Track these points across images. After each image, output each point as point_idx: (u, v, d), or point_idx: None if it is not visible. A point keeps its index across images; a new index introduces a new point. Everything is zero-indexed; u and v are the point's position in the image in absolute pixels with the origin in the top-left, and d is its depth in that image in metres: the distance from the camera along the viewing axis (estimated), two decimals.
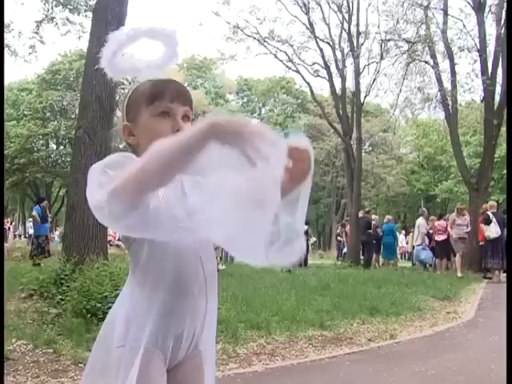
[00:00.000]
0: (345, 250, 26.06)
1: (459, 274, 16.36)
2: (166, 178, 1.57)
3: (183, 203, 1.75)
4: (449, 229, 17.68)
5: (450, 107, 22.47)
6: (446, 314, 9.62)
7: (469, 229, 17.50)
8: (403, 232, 33.10)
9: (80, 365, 5.24)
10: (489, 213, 16.13)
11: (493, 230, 15.83)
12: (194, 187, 1.82)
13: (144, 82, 1.95)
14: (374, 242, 21.82)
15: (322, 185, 52.09)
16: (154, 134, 1.81)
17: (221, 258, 16.69)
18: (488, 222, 15.88)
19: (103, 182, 1.57)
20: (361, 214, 22.80)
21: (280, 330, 7.03)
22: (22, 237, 45.57)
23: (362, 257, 22.48)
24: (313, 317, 7.88)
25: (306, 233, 23.24)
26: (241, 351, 6.05)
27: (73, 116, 44.41)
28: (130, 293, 1.88)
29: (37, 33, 20.64)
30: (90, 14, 17.92)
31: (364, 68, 25.64)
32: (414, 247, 21.93)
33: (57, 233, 36.83)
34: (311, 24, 26.27)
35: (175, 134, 1.76)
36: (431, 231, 19.96)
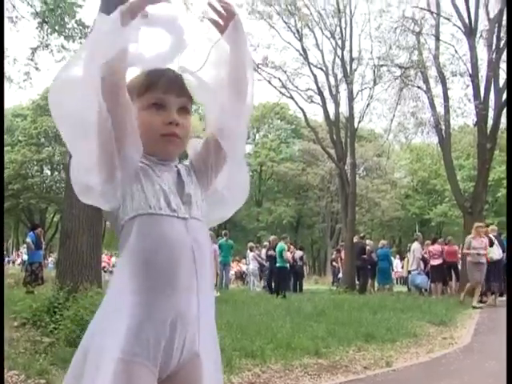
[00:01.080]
0: (340, 275, 26.00)
1: (475, 304, 14.90)
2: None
3: (179, 190, 1.84)
4: (465, 250, 15.81)
5: (443, 132, 22.61)
6: (443, 339, 9.56)
7: (485, 252, 15.37)
8: (398, 256, 33.05)
9: None
10: (491, 235, 16.14)
11: (496, 252, 15.82)
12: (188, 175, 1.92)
13: (139, 73, 1.90)
14: (369, 267, 21.78)
15: (317, 210, 52.11)
16: (145, 127, 1.79)
17: (216, 285, 16.59)
18: (491, 244, 15.82)
19: None
20: (355, 240, 22.77)
21: (275, 358, 6.95)
22: (16, 263, 45.34)
23: (357, 282, 22.41)
24: (308, 344, 7.81)
25: (301, 259, 23.25)
26: (235, 380, 5.98)
27: None
28: (110, 296, 1.79)
29: (32, 59, 20.65)
30: (84, 41, 18.04)
31: (357, 93, 25.83)
32: (409, 272, 21.88)
33: (51, 259, 36.64)
34: (304, 50, 26.49)
35: (168, 126, 1.83)
36: (426, 256, 19.95)
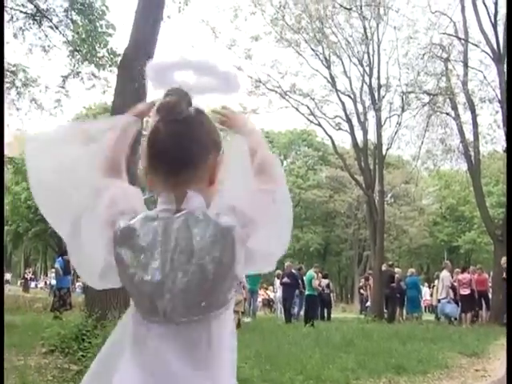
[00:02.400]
0: (368, 303, 25.74)
1: None
2: None
3: None
4: None
5: (472, 158, 22.43)
6: (475, 371, 9.36)
7: None
8: (426, 284, 32.68)
9: None
10: None
11: None
12: None
13: None
14: (398, 295, 21.52)
15: (344, 237, 51.83)
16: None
17: (243, 313, 16.46)
18: None
19: None
20: (384, 267, 22.55)
21: None
22: (39, 286, 45.68)
23: (385, 310, 22.14)
24: (338, 376, 7.69)
25: (328, 286, 23.05)
26: None
27: None
28: None
29: (63, 87, 21.02)
30: (114, 69, 18.28)
31: (385, 120, 25.78)
32: (438, 300, 21.59)
33: (78, 284, 36.76)
34: (332, 77, 26.52)
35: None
36: (455, 284, 19.69)
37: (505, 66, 21.26)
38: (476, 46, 22.68)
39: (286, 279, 19.63)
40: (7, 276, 47.97)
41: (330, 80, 26.59)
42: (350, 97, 26.41)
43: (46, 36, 20.17)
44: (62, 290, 16.54)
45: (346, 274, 58.47)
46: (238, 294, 15.29)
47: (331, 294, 24.37)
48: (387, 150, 26.28)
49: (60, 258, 17.32)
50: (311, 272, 19.17)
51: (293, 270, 20.15)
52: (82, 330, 8.01)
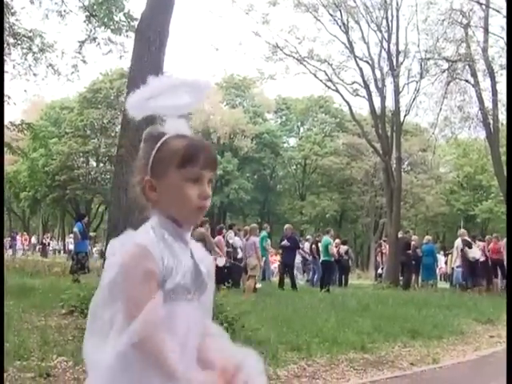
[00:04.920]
0: (380, 270, 25.77)
1: None
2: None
3: None
4: None
5: (490, 126, 22.21)
6: (490, 337, 9.41)
7: None
8: (442, 253, 32.65)
9: None
10: None
11: None
12: None
13: (175, 139, 1.87)
14: (414, 262, 21.54)
15: (361, 204, 51.76)
16: (182, 197, 1.80)
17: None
18: None
19: None
20: (400, 235, 22.55)
21: (321, 352, 6.92)
22: (62, 252, 46.14)
23: (400, 277, 22.19)
24: (354, 339, 7.76)
25: (347, 253, 23.13)
26: (281, 373, 5.97)
27: (113, 134, 45.06)
28: None
29: (79, 53, 20.96)
30: (131, 34, 18.18)
31: (404, 87, 25.50)
32: (453, 268, 21.59)
33: (95, 249, 37.16)
34: (350, 43, 26.24)
35: (203, 201, 1.82)
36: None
37: None
38: (497, 11, 22.28)
39: (285, 242, 18.72)
40: (33, 240, 48.37)
41: (347, 46, 26.32)
42: (367, 63, 26.13)
43: (63, 1, 20.08)
44: (80, 254, 16.69)
45: (361, 241, 58.53)
46: (253, 259, 15.40)
47: (350, 261, 24.43)
48: (405, 116, 26.08)
49: (78, 223, 17.46)
50: (327, 238, 19.19)
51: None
52: None
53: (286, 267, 18.89)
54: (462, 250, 19.94)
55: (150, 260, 1.71)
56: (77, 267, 16.04)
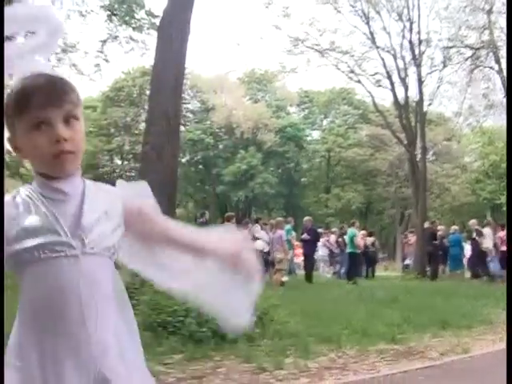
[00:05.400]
0: (407, 261, 25.67)
1: None
2: None
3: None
4: None
5: None
6: None
7: None
8: (469, 242, 32.39)
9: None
10: None
11: None
12: None
13: (15, 87, 1.67)
14: (441, 252, 21.44)
15: (386, 196, 51.52)
16: (32, 149, 1.63)
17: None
18: None
19: None
20: (426, 225, 22.44)
21: (350, 343, 6.95)
22: None
23: (427, 268, 22.08)
24: (383, 330, 7.77)
25: (373, 244, 23.08)
26: (312, 365, 6.00)
27: (136, 132, 45.32)
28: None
29: (101, 52, 21.14)
30: (152, 32, 18.30)
31: (426, 76, 25.37)
32: None
33: None
34: (372, 34, 26.14)
35: (56, 145, 1.61)
36: (498, 242, 19.53)
37: None
38: None
39: (305, 235, 18.50)
40: None
41: (369, 36, 26.23)
42: (389, 53, 26.00)
43: (83, 1, 20.25)
44: None
45: (387, 233, 58.25)
46: (280, 252, 15.44)
47: (376, 252, 24.39)
48: (428, 106, 25.99)
49: None
50: (353, 230, 19.16)
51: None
52: (131, 288, 8.19)
53: (307, 260, 18.82)
54: (473, 239, 19.89)
55: None
56: None
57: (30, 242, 1.59)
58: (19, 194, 1.66)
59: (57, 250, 1.59)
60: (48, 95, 1.61)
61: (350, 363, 6.22)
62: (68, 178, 1.68)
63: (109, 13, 19.69)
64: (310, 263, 18.58)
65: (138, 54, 21.16)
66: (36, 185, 1.68)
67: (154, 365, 5.64)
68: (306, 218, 19.63)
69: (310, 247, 18.62)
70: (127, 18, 18.52)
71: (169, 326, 6.61)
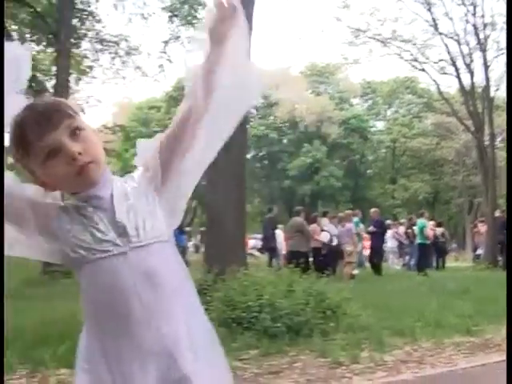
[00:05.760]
0: (478, 251, 25.17)
1: None
2: None
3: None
4: None
5: None
6: None
7: None
8: None
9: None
10: None
11: None
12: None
13: (10, 128, 1.66)
14: None
15: (453, 185, 50.64)
16: (58, 178, 1.64)
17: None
18: None
19: None
20: (497, 214, 21.95)
21: (425, 336, 6.90)
22: None
23: (499, 258, 21.60)
24: (457, 322, 7.67)
25: (443, 235, 22.74)
26: (388, 358, 5.98)
27: None
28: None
29: (164, 52, 21.47)
30: None
31: (492, 61, 24.77)
32: None
33: (191, 242, 37.87)
34: (434, 20, 25.63)
35: (74, 165, 1.61)
36: None
37: None
38: None
39: (371, 227, 18.24)
40: None
41: (431, 23, 25.70)
42: (453, 39, 25.45)
43: (145, 4, 20.60)
44: (179, 249, 17.10)
45: (455, 223, 57.26)
46: (349, 245, 15.40)
47: (446, 243, 24.03)
48: (496, 91, 25.39)
49: None
50: (422, 220, 18.91)
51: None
52: (203, 285, 8.35)
53: (374, 252, 18.37)
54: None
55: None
56: None
57: (78, 247, 1.64)
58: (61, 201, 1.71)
59: (104, 251, 1.62)
60: (40, 124, 1.60)
61: (427, 356, 6.17)
62: (96, 191, 1.68)
63: (170, 14, 19.99)
64: (378, 255, 18.30)
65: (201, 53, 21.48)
66: (73, 198, 1.71)
67: (231, 360, 5.71)
68: (373, 210, 19.45)
69: (377, 239, 18.23)
70: (189, 18, 18.75)
71: (243, 321, 6.69)
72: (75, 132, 1.63)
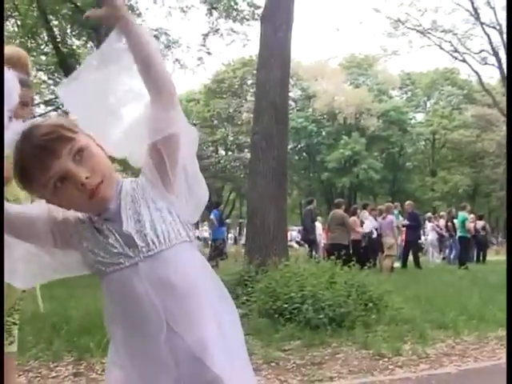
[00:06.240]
0: None
1: None
2: None
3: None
4: None
5: None
6: None
7: None
8: None
9: (272, 364, 5.42)
10: None
11: None
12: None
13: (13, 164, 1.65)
14: None
15: (494, 177, 49.92)
16: (70, 203, 1.64)
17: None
18: None
19: None
20: None
21: (468, 329, 6.86)
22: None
23: None
24: (500, 316, 7.58)
25: (484, 228, 22.44)
26: (430, 352, 5.95)
27: (239, 122, 45.83)
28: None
29: (204, 45, 21.59)
30: (252, 23, 18.52)
31: None
32: None
33: (229, 235, 38.06)
34: (475, 9, 25.37)
35: (85, 190, 1.59)
36: None
37: None
38: None
39: (405, 221, 17.74)
40: None
41: (472, 13, 25.47)
42: (495, 28, 25.15)
43: None
44: (218, 241, 17.24)
45: (496, 216, 56.48)
46: (390, 238, 15.32)
47: (487, 237, 23.72)
48: None
49: (215, 210, 17.97)
50: (463, 213, 18.71)
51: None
52: (245, 276, 8.43)
53: (408, 245, 17.95)
54: None
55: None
56: (215, 254, 16.59)
57: (95, 262, 1.66)
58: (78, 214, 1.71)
59: (117, 263, 1.63)
60: (41, 158, 1.57)
61: (469, 350, 6.13)
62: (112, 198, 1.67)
63: (209, 7, 20.07)
64: (412, 248, 17.80)
65: (240, 45, 21.57)
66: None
67: (274, 351, 5.79)
68: (407, 203, 19.09)
69: (411, 232, 17.77)
70: (230, 11, 18.83)
71: (285, 312, 6.73)
72: (78, 154, 1.59)
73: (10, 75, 1.74)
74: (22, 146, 1.59)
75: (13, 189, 1.88)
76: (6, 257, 1.72)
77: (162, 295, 1.60)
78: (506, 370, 2.98)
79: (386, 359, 5.63)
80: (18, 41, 18.11)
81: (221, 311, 1.71)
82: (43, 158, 1.56)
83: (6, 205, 1.69)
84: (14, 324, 3.72)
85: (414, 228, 17.88)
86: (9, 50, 3.15)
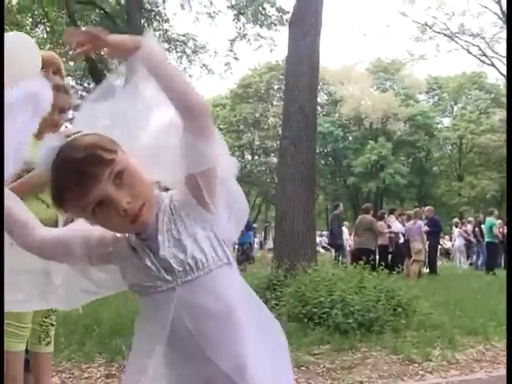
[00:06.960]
0: None
1: None
2: None
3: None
4: None
5: None
6: None
7: None
8: None
9: (302, 368, 5.46)
10: None
11: None
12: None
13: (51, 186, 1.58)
14: None
15: None
16: (112, 226, 1.61)
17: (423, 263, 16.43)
18: None
19: None
20: None
21: (498, 336, 6.83)
22: None
23: None
24: None
25: None
26: (460, 357, 5.96)
27: (265, 127, 45.92)
28: None
29: (231, 50, 21.76)
30: (279, 28, 18.60)
31: None
32: None
33: (256, 240, 38.07)
34: (504, 13, 25.12)
35: (126, 215, 1.54)
36: None
37: None
38: None
39: (426, 227, 16.99)
40: None
41: (500, 16, 25.24)
42: None
43: (211, 3, 20.87)
44: (245, 245, 17.32)
45: None
46: (418, 243, 15.26)
47: None
48: None
49: None
50: (491, 219, 18.57)
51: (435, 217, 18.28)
52: (273, 280, 8.48)
53: (429, 251, 17.22)
54: None
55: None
56: (242, 258, 16.67)
57: (133, 284, 1.69)
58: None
59: (154, 287, 1.61)
60: (81, 184, 1.49)
61: (500, 356, 6.11)
62: (145, 226, 1.62)
63: (236, 12, 20.21)
64: (431, 254, 17.27)
65: (267, 50, 21.73)
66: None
67: (303, 355, 5.83)
68: (427, 208, 18.88)
69: (431, 238, 17.13)
70: (258, 16, 18.95)
71: (314, 317, 6.78)
72: (118, 177, 1.52)
73: (42, 83, 1.75)
74: (60, 168, 1.52)
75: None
76: (46, 283, 1.75)
77: (199, 322, 1.58)
78: None
79: (416, 364, 5.64)
80: (47, 47, 18.35)
81: (262, 336, 1.69)
82: (83, 184, 1.48)
83: (45, 229, 1.71)
84: (52, 325, 3.81)
85: (435, 234, 17.70)
86: (44, 54, 3.23)
